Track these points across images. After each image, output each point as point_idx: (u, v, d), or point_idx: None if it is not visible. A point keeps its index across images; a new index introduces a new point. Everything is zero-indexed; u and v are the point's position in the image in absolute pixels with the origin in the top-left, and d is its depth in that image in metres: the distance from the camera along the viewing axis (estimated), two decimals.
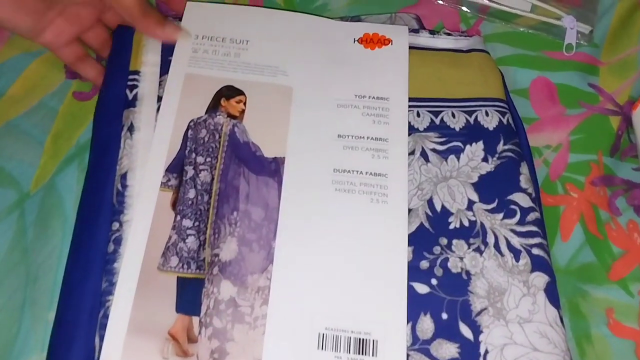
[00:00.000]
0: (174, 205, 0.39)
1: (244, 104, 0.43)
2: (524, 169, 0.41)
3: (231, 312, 0.36)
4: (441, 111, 0.43)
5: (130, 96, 0.43)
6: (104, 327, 0.35)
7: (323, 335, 0.36)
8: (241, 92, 0.43)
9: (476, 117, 0.43)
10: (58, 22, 0.44)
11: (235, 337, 0.36)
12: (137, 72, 0.44)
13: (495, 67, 0.46)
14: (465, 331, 0.36)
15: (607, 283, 0.42)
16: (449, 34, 0.48)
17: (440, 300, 0.37)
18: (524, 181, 0.40)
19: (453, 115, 0.43)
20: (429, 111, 0.43)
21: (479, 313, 0.36)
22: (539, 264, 0.38)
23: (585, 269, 0.43)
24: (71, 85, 0.47)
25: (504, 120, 0.42)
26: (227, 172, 0.41)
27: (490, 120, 0.42)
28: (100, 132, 0.42)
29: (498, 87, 0.45)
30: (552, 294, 0.37)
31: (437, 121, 0.43)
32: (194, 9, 0.47)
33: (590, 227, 0.43)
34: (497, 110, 0.43)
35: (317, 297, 0.37)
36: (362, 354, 0.36)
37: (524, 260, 0.37)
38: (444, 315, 0.37)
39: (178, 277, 0.37)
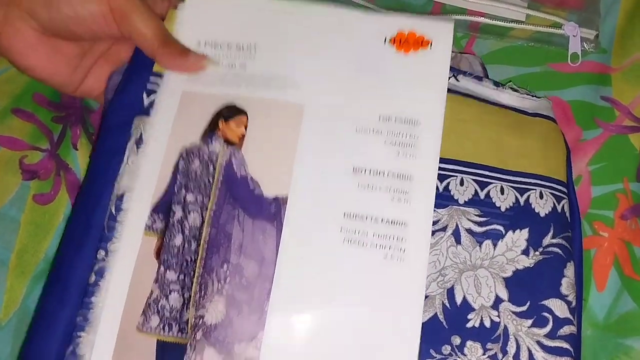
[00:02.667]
0: (158, 253, 0.35)
1: (245, 127, 0.37)
2: (569, 270, 0.34)
3: None
4: (489, 183, 0.36)
5: (146, 102, 0.37)
6: None
7: None
8: (243, 112, 0.37)
9: (528, 197, 0.35)
10: (99, 66, 0.40)
11: None
12: (159, 75, 0.38)
13: (562, 140, 0.38)
14: None
15: None
16: (515, 90, 0.39)
17: None
18: (566, 286, 0.34)
19: (502, 191, 0.35)
20: (475, 180, 0.36)
21: None
22: None
23: (625, 319, 0.37)
24: (29, 188, 0.41)
25: (559, 208, 0.35)
26: (219, 214, 0.35)
27: (543, 205, 0.35)
28: (104, 140, 0.38)
29: (560, 166, 0.37)
30: None
31: (482, 195, 0.35)
32: (194, 5, 0.39)
33: (625, 269, 0.38)
34: (553, 194, 0.36)
35: None
36: None
37: None
38: None
39: (158, 340, 0.33)
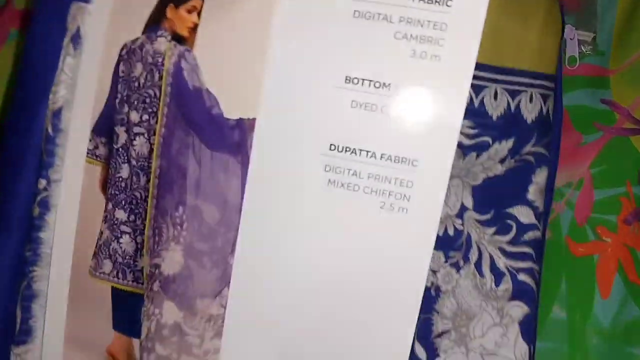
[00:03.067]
0: (103, 185, 0.28)
1: (199, 14, 0.26)
2: (540, 176, 0.31)
3: (176, 340, 0.28)
4: (484, 86, 0.29)
5: None
6: (28, 298, 0.30)
7: None
8: None
9: (519, 101, 0.30)
10: None
11: None
12: None
13: (559, 20, 0.32)
14: (420, 352, 0.30)
15: None
16: None
17: None
18: (533, 192, 0.31)
19: (495, 96, 0.30)
20: (471, 84, 0.27)
21: (439, 335, 0.30)
22: (522, 292, 0.30)
23: (632, 327, 0.36)
24: None
25: (544, 109, 0.31)
26: (170, 140, 0.27)
27: (531, 109, 0.31)
28: (34, 37, 0.29)
29: (553, 56, 0.31)
30: (528, 327, 0.30)
31: (477, 102, 0.29)
32: None
33: (630, 275, 0.36)
34: (541, 94, 0.30)
35: (286, 335, 0.27)
36: None
37: (506, 285, 0.30)
38: None
39: (113, 287, 0.29)
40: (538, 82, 0.31)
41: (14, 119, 0.30)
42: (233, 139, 0.26)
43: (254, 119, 0.26)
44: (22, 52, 0.30)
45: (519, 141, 0.30)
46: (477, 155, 0.30)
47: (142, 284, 0.29)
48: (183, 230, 0.27)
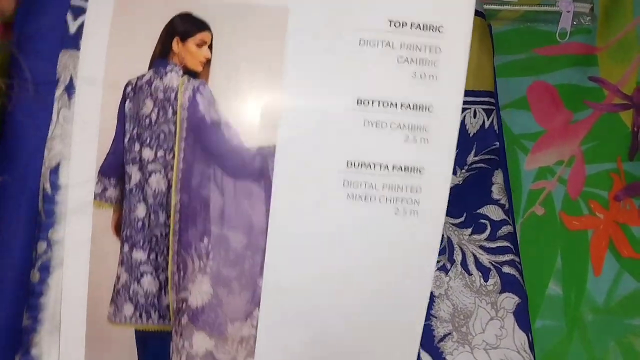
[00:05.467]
0: (117, 228, 0.28)
1: (210, 47, 0.27)
2: (498, 177, 0.35)
3: None
4: None
5: (72, 28, 0.27)
6: None
7: None
8: (204, 26, 0.27)
9: (464, 117, 0.34)
10: None
11: None
12: None
13: (490, 40, 0.36)
14: (426, 359, 0.32)
15: None
16: None
17: None
18: (497, 191, 0.34)
19: None
20: None
21: (442, 339, 0.32)
22: (509, 284, 0.33)
23: (629, 300, 0.37)
24: None
25: (487, 122, 0.34)
26: (189, 174, 0.27)
27: (475, 124, 0.34)
28: (18, 90, 0.27)
29: (490, 75, 0.36)
30: (521, 316, 0.33)
31: None
32: None
33: (623, 250, 0.38)
34: (484, 109, 0.35)
35: (316, 347, 0.29)
36: None
37: (493, 279, 0.33)
38: None
39: (137, 330, 0.28)
40: (480, 99, 0.34)
41: (4, 183, 0.27)
42: (255, 166, 0.27)
43: (273, 146, 0.27)
44: (3, 108, 0.27)
45: (460, 152, 0.34)
46: None
47: (169, 320, 0.28)
48: (209, 260, 0.28)
